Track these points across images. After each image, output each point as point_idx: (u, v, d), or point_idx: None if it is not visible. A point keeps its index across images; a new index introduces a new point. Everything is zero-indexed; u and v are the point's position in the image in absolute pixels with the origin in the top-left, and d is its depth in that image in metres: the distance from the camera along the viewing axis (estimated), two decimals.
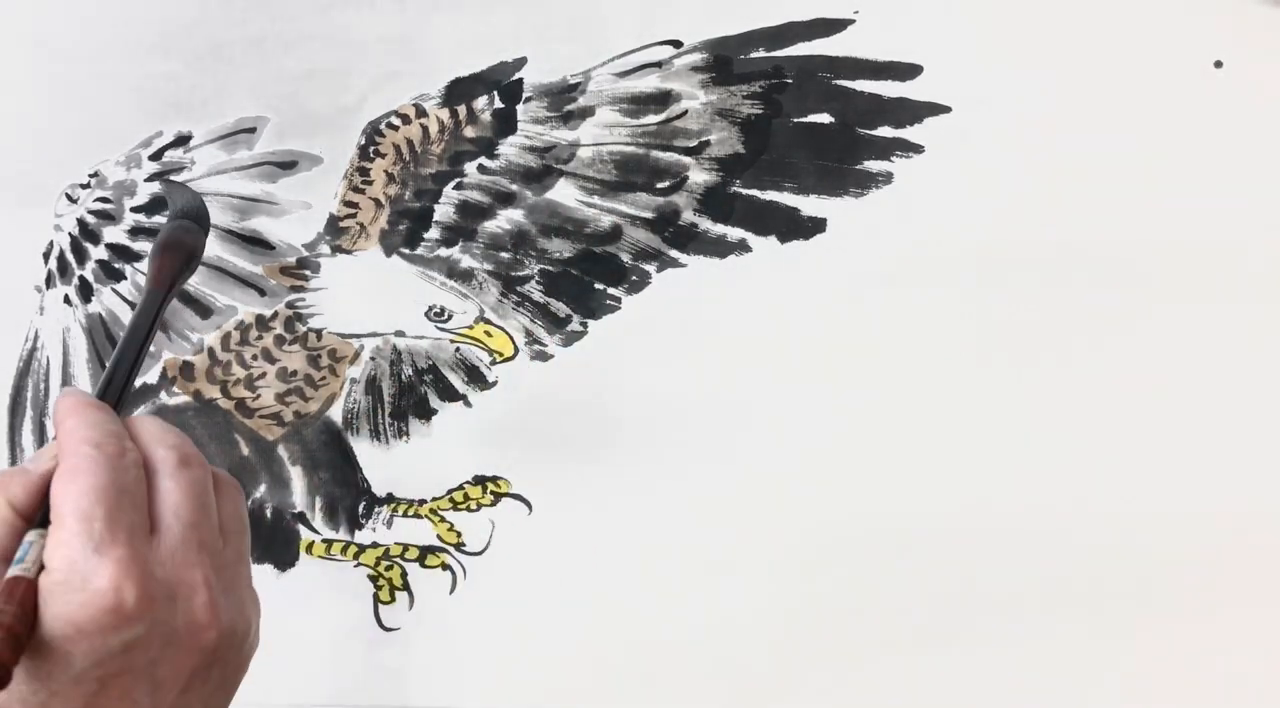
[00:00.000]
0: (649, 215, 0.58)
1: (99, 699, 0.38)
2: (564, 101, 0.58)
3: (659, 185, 0.58)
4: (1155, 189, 0.56)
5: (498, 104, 0.58)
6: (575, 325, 0.60)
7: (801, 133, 0.56)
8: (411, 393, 0.62)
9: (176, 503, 0.41)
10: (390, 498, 0.63)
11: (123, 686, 0.38)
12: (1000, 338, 0.58)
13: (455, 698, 0.64)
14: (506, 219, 0.59)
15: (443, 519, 0.63)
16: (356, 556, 0.64)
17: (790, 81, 0.56)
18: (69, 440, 0.41)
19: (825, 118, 0.56)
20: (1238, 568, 0.59)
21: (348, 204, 0.60)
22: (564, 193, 0.59)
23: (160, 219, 0.61)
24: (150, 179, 0.61)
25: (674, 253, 0.59)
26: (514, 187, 0.59)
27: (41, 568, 0.38)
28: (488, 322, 0.61)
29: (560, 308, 0.60)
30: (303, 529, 0.63)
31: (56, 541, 0.38)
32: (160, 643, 0.39)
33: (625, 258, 0.59)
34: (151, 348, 0.61)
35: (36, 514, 0.39)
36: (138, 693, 0.38)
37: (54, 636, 0.37)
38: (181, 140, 0.60)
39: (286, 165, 0.60)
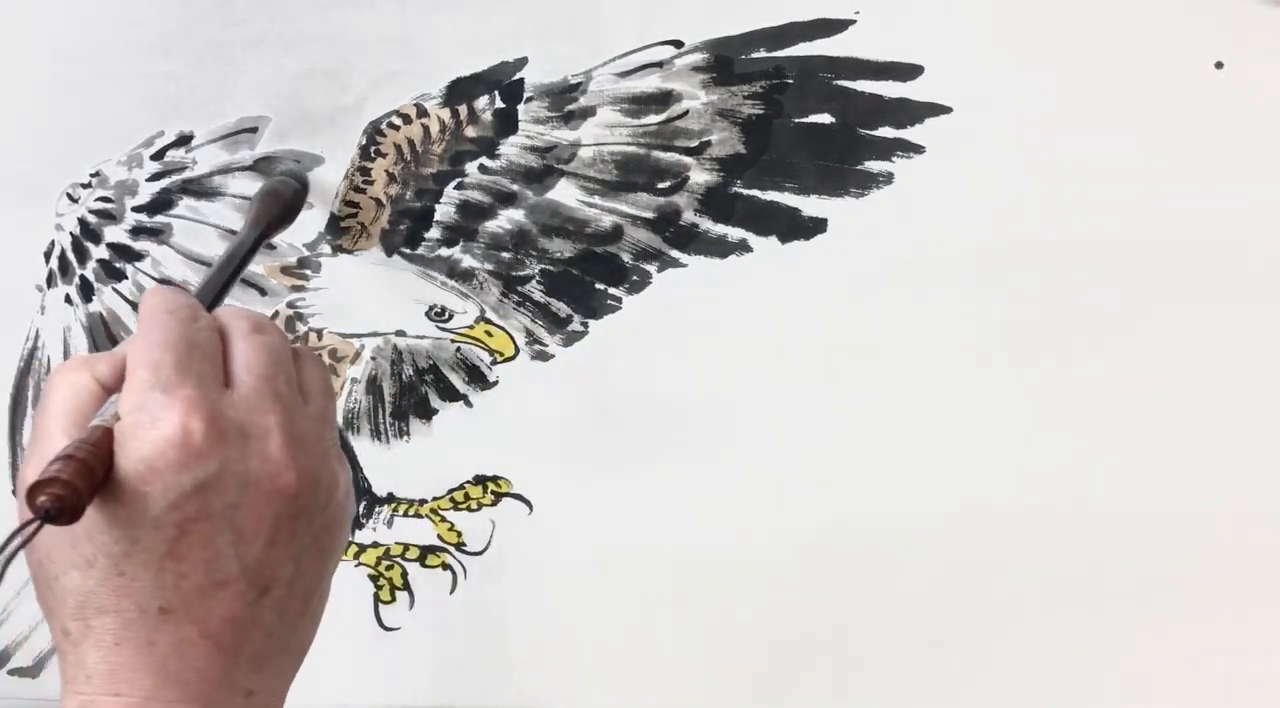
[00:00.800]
0: (650, 215, 0.58)
1: (180, 547, 0.37)
2: (565, 101, 0.58)
3: (660, 185, 0.58)
4: (1155, 189, 0.56)
5: (499, 104, 0.58)
6: (576, 325, 0.60)
7: (802, 133, 0.57)
8: (412, 393, 0.62)
9: (250, 359, 0.41)
10: (391, 498, 0.63)
11: (203, 532, 0.37)
12: (1000, 338, 0.58)
13: (455, 698, 0.64)
14: (507, 219, 0.59)
15: (443, 519, 0.63)
16: (357, 555, 0.64)
17: (791, 82, 0.56)
18: (144, 311, 0.41)
19: (826, 118, 0.56)
20: (1238, 568, 0.59)
21: (349, 204, 0.60)
22: (565, 193, 0.59)
23: (161, 219, 0.61)
24: (151, 179, 0.61)
25: (675, 253, 0.59)
26: (515, 186, 0.59)
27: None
28: (488, 321, 0.61)
29: (561, 308, 0.60)
30: None
31: (128, 389, 0.38)
32: (236, 486, 0.38)
33: (626, 258, 0.59)
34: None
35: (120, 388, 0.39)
36: (220, 541, 0.38)
37: (128, 477, 0.36)
38: (183, 140, 0.60)
39: None
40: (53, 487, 0.34)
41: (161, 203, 0.61)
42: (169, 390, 0.38)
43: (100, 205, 0.61)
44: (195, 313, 0.42)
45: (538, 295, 0.60)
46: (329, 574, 0.43)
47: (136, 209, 0.61)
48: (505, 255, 0.60)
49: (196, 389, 0.38)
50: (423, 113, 0.58)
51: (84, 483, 0.35)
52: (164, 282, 0.61)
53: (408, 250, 0.60)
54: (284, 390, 0.41)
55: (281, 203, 0.56)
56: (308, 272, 0.61)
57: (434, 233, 0.60)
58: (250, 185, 0.60)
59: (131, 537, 0.37)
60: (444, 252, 0.60)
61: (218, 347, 0.41)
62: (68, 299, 0.62)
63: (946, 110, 0.56)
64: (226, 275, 0.50)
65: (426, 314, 0.61)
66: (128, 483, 0.36)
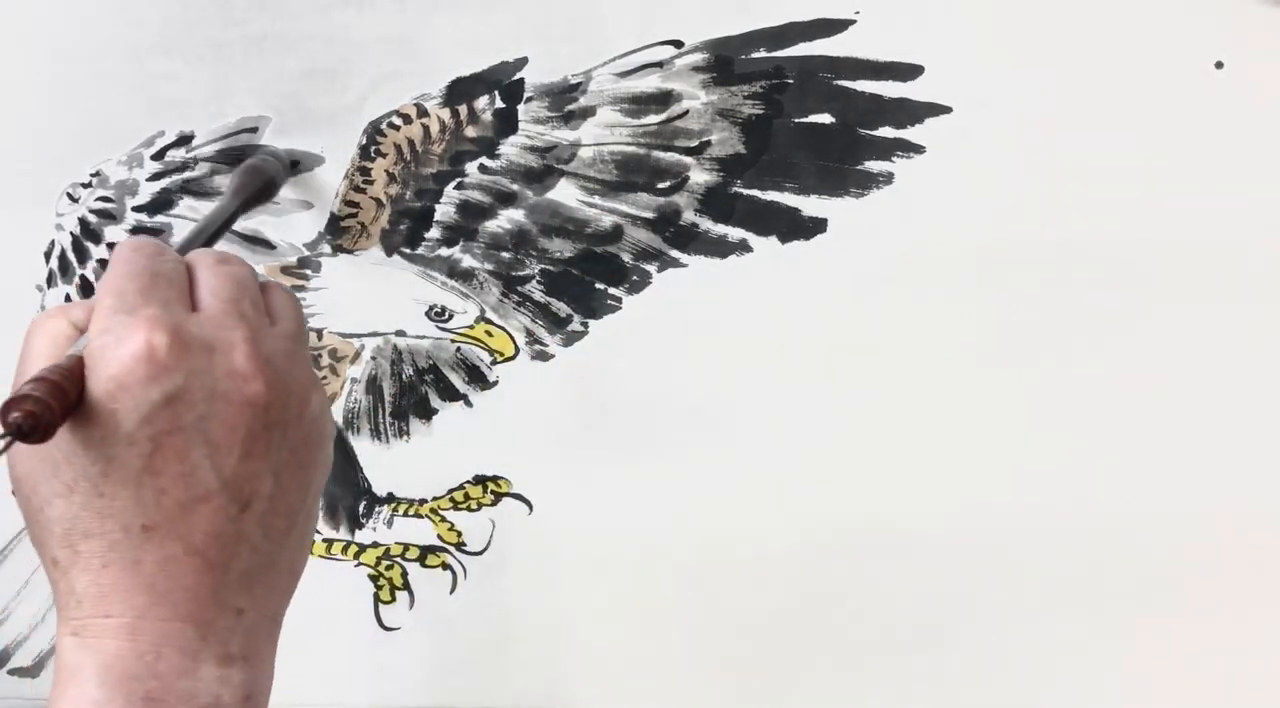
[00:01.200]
0: (650, 215, 0.58)
1: (156, 462, 0.38)
2: (565, 101, 0.58)
3: (660, 185, 0.58)
4: (1155, 189, 0.56)
5: (499, 104, 0.58)
6: (576, 325, 0.60)
7: (802, 133, 0.57)
8: (412, 393, 0.62)
9: (214, 285, 0.42)
10: (391, 498, 0.63)
11: (176, 445, 0.38)
12: (1000, 338, 0.58)
13: (455, 698, 0.64)
14: (507, 219, 0.59)
15: (443, 519, 0.63)
16: (357, 555, 0.64)
17: (791, 82, 0.56)
18: (114, 253, 0.42)
19: (826, 118, 0.56)
20: (1238, 568, 0.59)
21: (349, 204, 0.60)
22: (565, 193, 0.59)
23: (162, 218, 0.61)
24: (152, 178, 0.61)
25: (675, 253, 0.59)
26: (515, 186, 0.59)
27: None
28: (489, 321, 0.61)
29: (561, 308, 0.60)
30: None
31: (94, 317, 0.39)
32: (204, 398, 0.38)
33: (626, 258, 0.59)
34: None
35: None
36: (195, 454, 0.38)
37: (99, 396, 0.37)
38: (183, 140, 0.60)
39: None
40: (25, 403, 0.35)
41: (162, 203, 0.61)
42: (133, 312, 0.39)
43: (101, 205, 0.61)
44: (161, 250, 0.43)
45: (538, 295, 0.60)
46: (313, 494, 0.43)
47: (137, 209, 0.61)
48: (505, 255, 0.60)
49: (161, 309, 0.39)
50: (423, 113, 0.58)
51: (56, 401, 0.36)
52: None
53: (408, 250, 0.60)
54: (249, 312, 0.42)
55: (262, 178, 0.57)
56: (308, 271, 0.61)
57: (434, 233, 0.60)
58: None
59: (107, 456, 0.37)
60: (444, 251, 0.60)
61: (184, 278, 0.42)
62: (68, 299, 0.62)
63: (946, 110, 0.56)
64: (203, 239, 0.51)
65: (426, 314, 0.61)
66: (98, 403, 0.37)
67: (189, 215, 0.61)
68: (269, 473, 0.40)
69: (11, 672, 0.67)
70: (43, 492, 0.38)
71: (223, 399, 0.39)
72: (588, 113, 0.58)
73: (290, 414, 0.41)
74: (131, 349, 0.38)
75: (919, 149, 0.56)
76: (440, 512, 0.63)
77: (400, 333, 0.61)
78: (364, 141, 0.59)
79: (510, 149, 0.59)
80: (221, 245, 0.61)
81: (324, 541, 0.63)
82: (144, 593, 0.38)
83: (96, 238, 0.61)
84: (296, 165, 0.59)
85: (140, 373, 0.37)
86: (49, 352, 0.40)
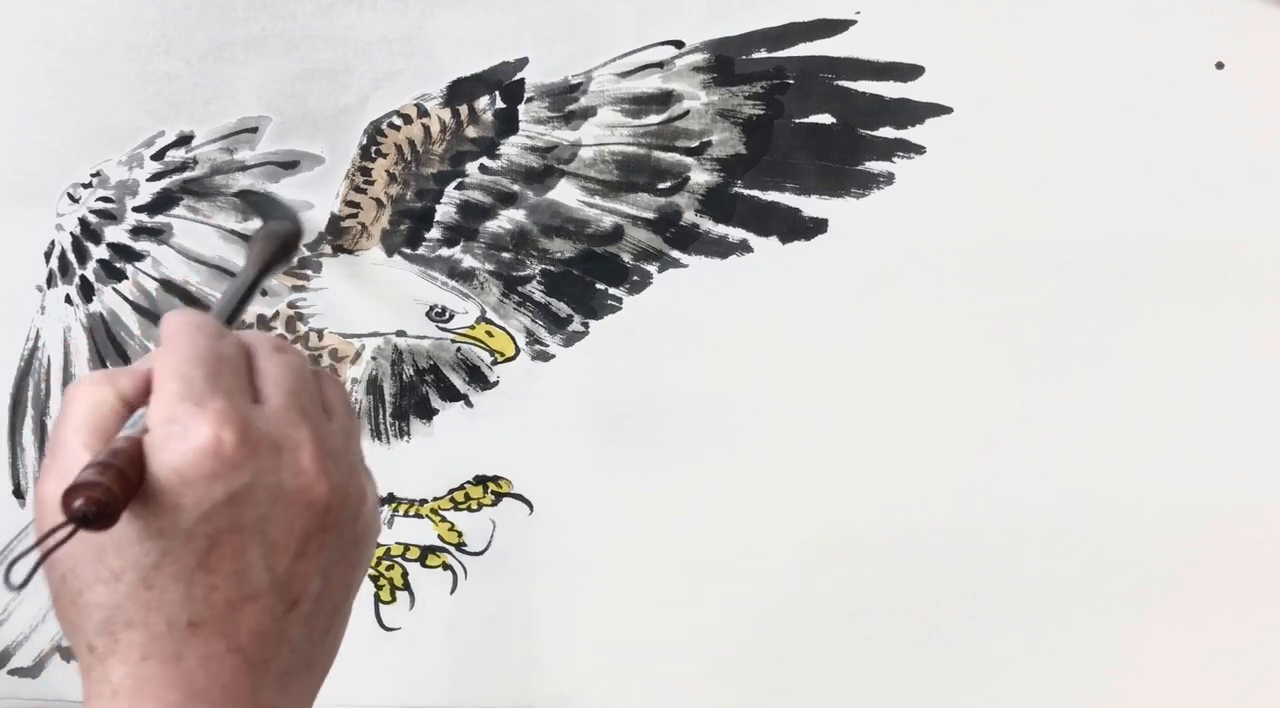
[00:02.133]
0: (650, 216, 0.58)
1: (211, 559, 0.37)
2: (565, 102, 0.58)
3: (660, 186, 0.58)
4: (1155, 189, 0.56)
5: (499, 104, 0.58)
6: (576, 325, 0.60)
7: (803, 133, 0.57)
8: (413, 393, 0.62)
9: (277, 375, 0.41)
10: (391, 498, 0.63)
11: (234, 544, 0.37)
12: (1001, 338, 0.58)
13: (455, 698, 0.64)
14: (508, 219, 0.59)
15: (444, 519, 0.63)
16: None
17: (792, 82, 0.56)
18: (170, 327, 0.41)
19: (827, 118, 0.56)
20: (1238, 568, 0.59)
21: (349, 204, 0.60)
22: (565, 193, 0.59)
23: (162, 218, 0.61)
24: (152, 179, 0.61)
25: (675, 253, 0.59)
26: (515, 187, 0.59)
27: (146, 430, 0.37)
28: (489, 322, 0.61)
29: (561, 308, 0.60)
30: None
31: (157, 401, 0.38)
32: (268, 497, 0.37)
33: (627, 258, 0.59)
34: (151, 347, 0.61)
35: (145, 403, 0.39)
36: (251, 554, 0.37)
37: (160, 487, 0.36)
38: (183, 140, 0.60)
39: (288, 165, 0.60)
40: (92, 491, 0.34)
41: (162, 203, 0.61)
42: (200, 402, 0.37)
43: (101, 205, 0.61)
44: (221, 330, 0.42)
45: (538, 296, 0.60)
46: (354, 591, 0.43)
47: (137, 209, 0.61)
48: (506, 255, 0.60)
49: (227, 401, 0.38)
50: (423, 113, 0.58)
51: (120, 489, 0.34)
52: (164, 283, 0.61)
53: (408, 250, 0.60)
54: (311, 408, 0.41)
55: (280, 241, 0.57)
56: (308, 272, 0.61)
57: (434, 233, 0.60)
58: (253, 185, 0.60)
59: (162, 548, 0.36)
60: (444, 252, 0.60)
61: (245, 364, 0.41)
62: (68, 299, 0.62)
63: (947, 110, 0.56)
64: (234, 306, 0.50)
65: (427, 314, 0.61)
66: (160, 493, 0.36)
67: (189, 215, 0.61)
68: (319, 573, 0.39)
69: (12, 672, 0.67)
70: (83, 575, 0.37)
71: (285, 500, 0.38)
72: (588, 113, 0.58)
73: (347, 515, 0.40)
74: (198, 443, 0.36)
75: (919, 149, 0.56)
76: (441, 512, 0.63)
77: (401, 333, 0.61)
78: (365, 142, 0.59)
79: (511, 149, 0.59)
80: (222, 245, 0.61)
81: None
82: (181, 689, 0.37)
83: (97, 238, 0.61)
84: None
85: (206, 469, 0.36)
86: (93, 423, 0.38)
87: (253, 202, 0.60)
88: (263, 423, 0.39)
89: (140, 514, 0.36)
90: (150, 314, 0.62)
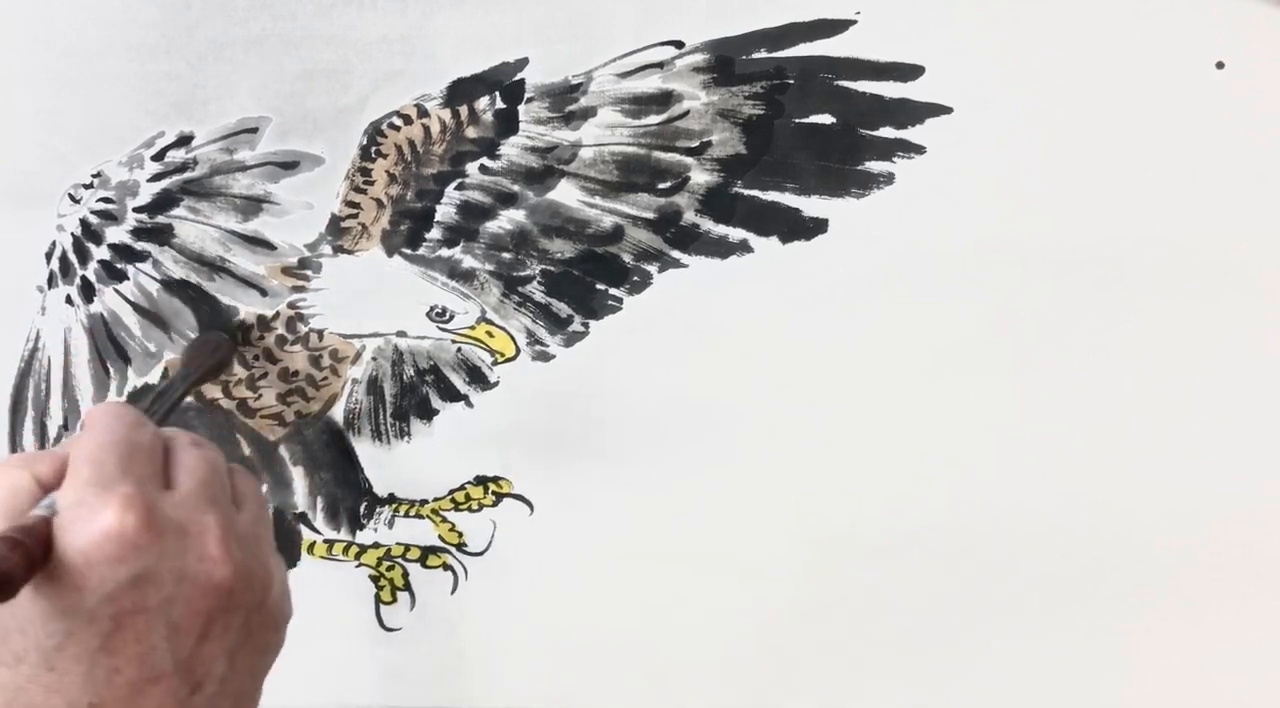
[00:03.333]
0: (651, 216, 0.58)
1: (114, 641, 0.37)
2: (566, 102, 0.58)
3: (661, 186, 0.58)
4: (1155, 189, 0.56)
5: (499, 104, 0.58)
6: (577, 326, 0.60)
7: (803, 133, 0.57)
8: (413, 393, 0.62)
9: (190, 466, 0.42)
10: (392, 498, 0.63)
11: (138, 626, 0.38)
12: (1000, 338, 0.58)
13: (456, 698, 0.64)
14: (508, 219, 0.59)
15: (444, 520, 0.63)
16: (358, 556, 0.64)
17: (792, 82, 0.56)
18: (91, 415, 0.42)
19: (827, 118, 0.56)
20: (1238, 568, 0.59)
21: (349, 204, 0.60)
22: (566, 193, 0.59)
23: (162, 219, 0.61)
24: (152, 179, 0.61)
25: (676, 253, 0.59)
26: (516, 187, 0.59)
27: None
28: (489, 322, 0.61)
29: (562, 308, 0.60)
30: (304, 530, 0.63)
31: (69, 484, 0.39)
32: (172, 580, 0.38)
33: (627, 258, 0.59)
34: (152, 348, 0.61)
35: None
36: (154, 636, 0.38)
37: (66, 567, 0.37)
38: (183, 140, 0.60)
39: (288, 165, 0.60)
40: None
41: (162, 203, 0.61)
42: (109, 486, 0.38)
43: (101, 206, 0.61)
44: (141, 422, 0.43)
45: (539, 296, 0.60)
46: (261, 675, 0.44)
47: (138, 210, 0.61)
48: (506, 256, 0.60)
49: (136, 487, 0.39)
50: (423, 113, 0.58)
51: (22, 561, 0.35)
52: (166, 283, 0.62)
53: (408, 251, 0.60)
54: (220, 496, 0.42)
55: (216, 355, 0.59)
56: (309, 272, 0.61)
57: (435, 233, 0.60)
58: (253, 185, 0.60)
59: (66, 629, 0.37)
60: (445, 252, 0.60)
61: (160, 453, 0.43)
62: (69, 300, 0.62)
63: (947, 110, 0.56)
64: (167, 408, 0.52)
65: (427, 315, 0.61)
66: (65, 574, 0.37)
67: (189, 216, 0.61)
68: (224, 656, 0.40)
69: None
70: None
71: (190, 583, 0.39)
72: (588, 113, 0.58)
73: (252, 599, 0.41)
74: (104, 525, 0.37)
75: (920, 149, 0.56)
76: (441, 512, 0.63)
77: (401, 334, 0.61)
78: (365, 142, 0.59)
79: (511, 150, 0.59)
80: (222, 246, 0.61)
81: (325, 541, 0.63)
82: None
83: (98, 239, 0.61)
84: (247, 331, 0.61)
85: (110, 551, 0.37)
86: (8, 504, 0.39)
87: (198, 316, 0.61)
88: (170, 509, 0.40)
89: (46, 594, 0.37)
90: (151, 315, 0.62)
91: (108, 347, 0.63)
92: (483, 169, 0.59)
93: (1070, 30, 0.55)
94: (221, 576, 0.40)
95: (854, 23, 0.55)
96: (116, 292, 0.62)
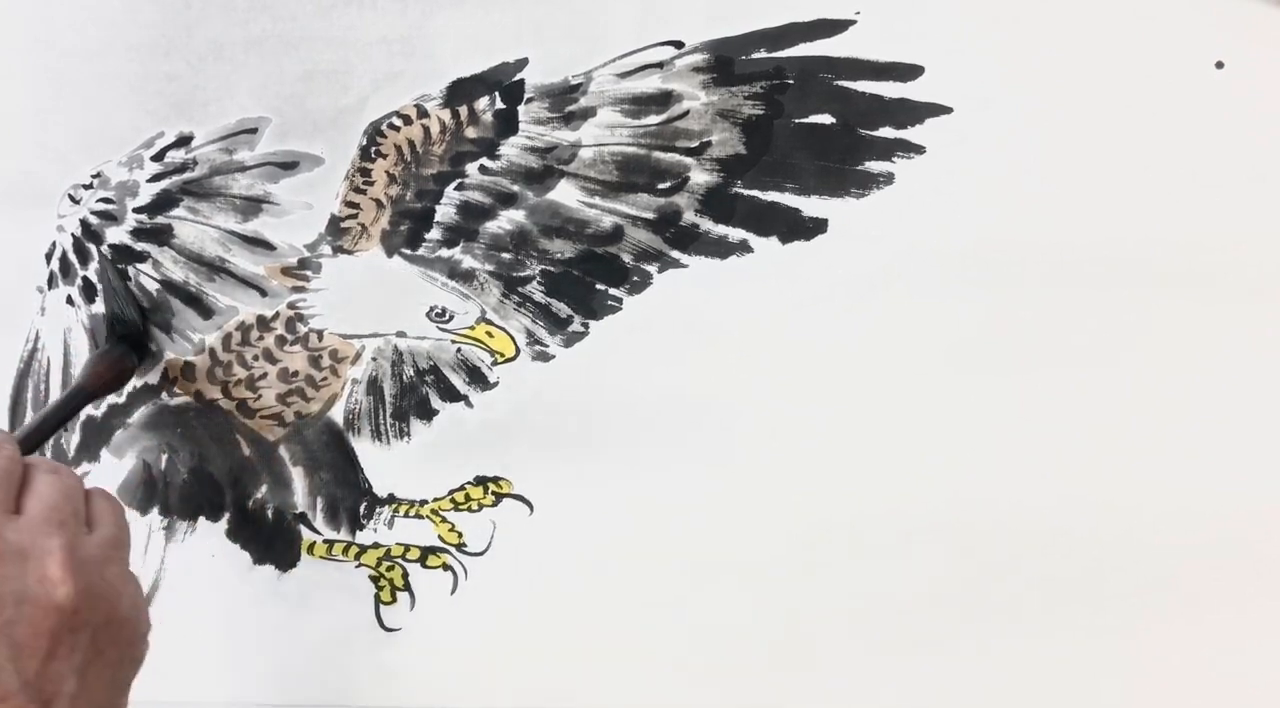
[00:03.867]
0: (650, 216, 0.58)
1: None
2: (565, 102, 0.58)
3: (660, 186, 0.58)
4: (1155, 189, 0.56)
5: (499, 105, 0.58)
6: (577, 326, 0.60)
7: (803, 133, 0.57)
8: (413, 393, 0.62)
9: (42, 491, 0.44)
10: (392, 498, 0.63)
11: None
12: (1001, 338, 0.58)
13: (456, 699, 0.64)
14: (508, 220, 0.59)
15: (444, 520, 0.63)
16: (358, 556, 0.64)
17: (792, 82, 0.56)
18: None
19: (827, 118, 0.56)
20: (1238, 568, 0.59)
21: (349, 205, 0.60)
22: (565, 193, 0.59)
23: (162, 219, 0.61)
24: (152, 180, 0.61)
25: (675, 254, 0.59)
26: (515, 187, 0.59)
27: None
28: (489, 322, 0.61)
29: (562, 308, 0.60)
30: (304, 530, 0.63)
31: None
32: (13, 602, 0.40)
33: (627, 259, 0.59)
34: (153, 349, 0.61)
35: None
36: None
37: None
38: (183, 141, 0.60)
39: (288, 166, 0.60)
40: None
41: (162, 204, 0.61)
42: None
43: (101, 206, 0.61)
44: (2, 446, 0.45)
45: (538, 296, 0.60)
46: (122, 687, 0.45)
47: (138, 210, 0.61)
48: (506, 256, 0.60)
49: None
50: (423, 114, 0.58)
51: None
52: (166, 284, 0.61)
53: (408, 251, 0.60)
54: (69, 520, 0.44)
55: (115, 369, 0.59)
56: (308, 273, 0.61)
57: (434, 234, 0.60)
58: (252, 186, 0.60)
59: None
60: (444, 252, 0.60)
61: (16, 479, 0.44)
62: (69, 300, 0.62)
63: (947, 110, 0.56)
64: (47, 428, 0.54)
65: (427, 315, 0.61)
66: None
67: (189, 216, 0.61)
68: (73, 673, 0.41)
69: None
70: None
71: (31, 603, 0.40)
72: (588, 113, 0.58)
73: (99, 617, 0.43)
74: None
75: (919, 149, 0.56)
76: (441, 513, 0.63)
77: (401, 334, 0.61)
78: (364, 142, 0.59)
79: (510, 150, 0.59)
80: (222, 246, 0.61)
81: (325, 541, 0.63)
82: None
83: (98, 239, 0.61)
84: (146, 318, 0.61)
85: None
86: None
87: (110, 314, 0.61)
88: (12, 533, 0.41)
89: None
90: (152, 315, 0.62)
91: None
92: (482, 169, 0.59)
93: (1070, 30, 0.55)
94: (63, 596, 0.41)
95: (854, 23, 0.55)
96: None
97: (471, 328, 0.61)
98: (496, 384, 0.61)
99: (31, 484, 0.45)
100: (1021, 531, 0.59)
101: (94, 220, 0.61)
